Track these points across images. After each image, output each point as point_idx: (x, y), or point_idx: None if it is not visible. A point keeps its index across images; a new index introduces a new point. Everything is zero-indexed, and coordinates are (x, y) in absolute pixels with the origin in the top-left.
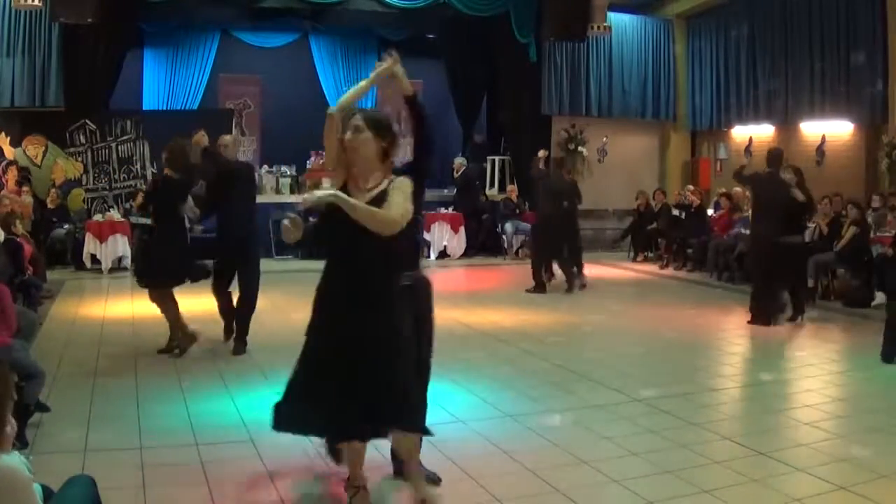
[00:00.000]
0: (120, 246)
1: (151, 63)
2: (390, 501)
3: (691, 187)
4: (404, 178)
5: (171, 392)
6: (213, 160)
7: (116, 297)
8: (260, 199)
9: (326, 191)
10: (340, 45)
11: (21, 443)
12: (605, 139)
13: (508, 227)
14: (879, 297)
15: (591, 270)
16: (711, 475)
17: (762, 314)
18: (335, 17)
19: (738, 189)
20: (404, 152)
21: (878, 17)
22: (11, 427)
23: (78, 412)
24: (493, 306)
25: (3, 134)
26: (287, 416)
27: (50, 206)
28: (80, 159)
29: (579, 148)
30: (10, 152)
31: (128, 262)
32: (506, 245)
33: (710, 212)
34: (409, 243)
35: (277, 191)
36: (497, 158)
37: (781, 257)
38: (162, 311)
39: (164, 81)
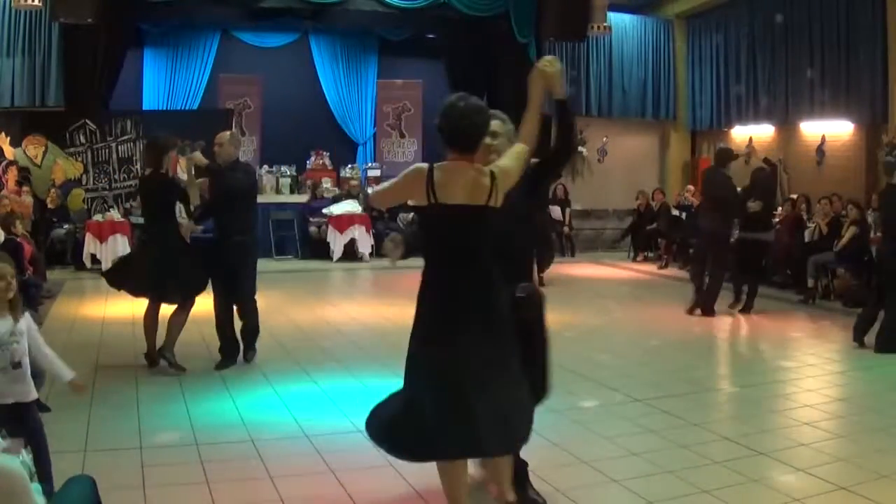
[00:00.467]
0: (120, 246)
1: (151, 63)
2: None
3: (691, 187)
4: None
5: (171, 392)
6: (218, 178)
7: (116, 297)
8: (260, 199)
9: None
10: (340, 45)
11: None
12: (605, 139)
13: None
14: None
15: (591, 270)
16: (711, 475)
17: (703, 306)
18: (335, 17)
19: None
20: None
21: (878, 17)
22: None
23: (78, 412)
24: None
25: (3, 134)
26: (390, 431)
27: (50, 206)
28: (80, 159)
29: (579, 148)
30: (10, 152)
31: None
32: None
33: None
34: (528, 246)
35: (277, 191)
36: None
37: (744, 251)
38: (177, 323)
39: (164, 81)
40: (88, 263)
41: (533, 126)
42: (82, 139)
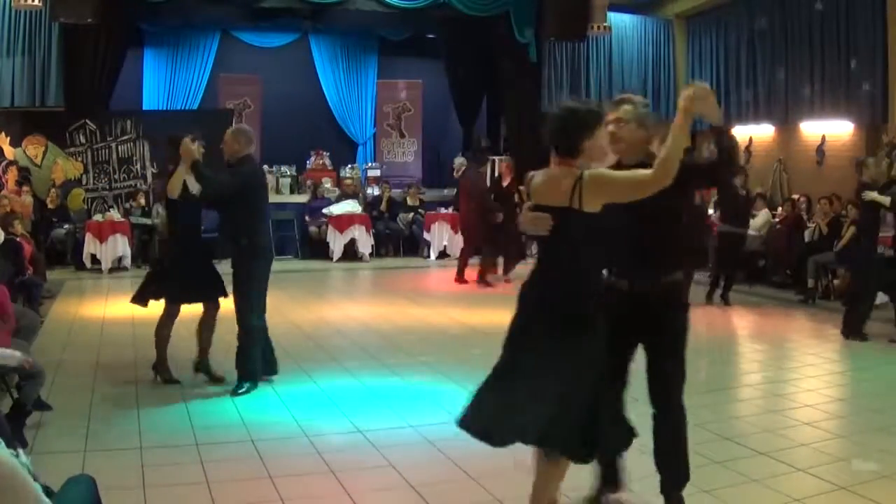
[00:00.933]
0: (120, 246)
1: (151, 63)
2: None
3: None
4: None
5: (171, 392)
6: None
7: (116, 297)
8: None
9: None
10: (340, 45)
11: (21, 442)
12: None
13: None
14: (880, 297)
15: None
16: (711, 475)
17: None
18: (335, 17)
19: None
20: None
21: (878, 16)
22: None
23: (78, 412)
24: (493, 306)
25: (3, 134)
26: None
27: (50, 206)
28: (80, 159)
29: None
30: (10, 152)
31: (128, 261)
32: None
33: (710, 212)
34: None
35: (277, 191)
36: (497, 158)
37: (723, 244)
38: (207, 329)
39: (164, 81)
40: (88, 263)
41: (672, 156)
42: (82, 139)
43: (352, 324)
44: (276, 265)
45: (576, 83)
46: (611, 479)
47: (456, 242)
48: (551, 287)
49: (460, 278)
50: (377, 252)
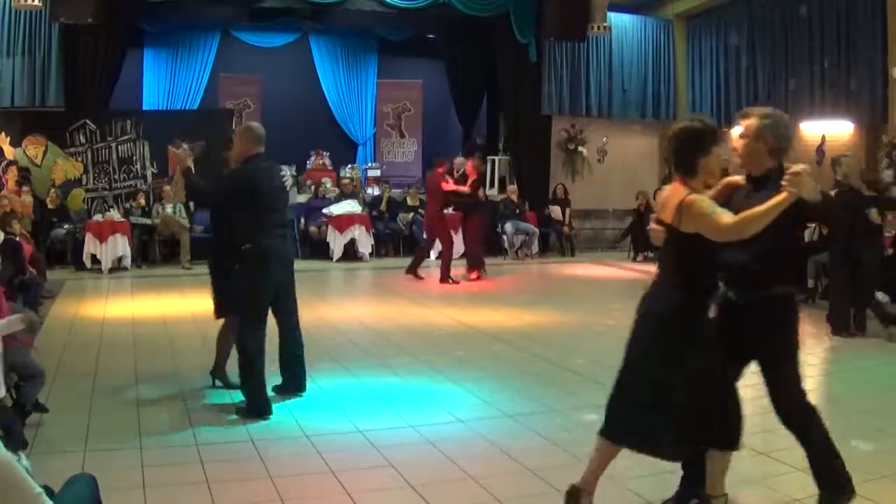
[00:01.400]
0: (120, 246)
1: (151, 63)
2: None
3: None
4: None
5: (170, 392)
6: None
7: (116, 297)
8: None
9: None
10: (340, 45)
11: (20, 443)
12: (604, 139)
13: (508, 227)
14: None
15: (591, 270)
16: None
17: None
18: (335, 17)
19: None
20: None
21: (878, 17)
22: None
23: (78, 412)
24: (492, 306)
25: (3, 134)
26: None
27: (50, 206)
28: (80, 159)
29: (579, 148)
30: (10, 152)
31: (128, 262)
32: (506, 245)
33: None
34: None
35: None
36: (497, 158)
37: None
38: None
39: (164, 81)
40: (88, 263)
41: (756, 220)
42: (82, 139)
43: (352, 324)
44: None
45: (576, 83)
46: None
47: (456, 243)
48: (663, 297)
49: (445, 279)
50: (377, 252)
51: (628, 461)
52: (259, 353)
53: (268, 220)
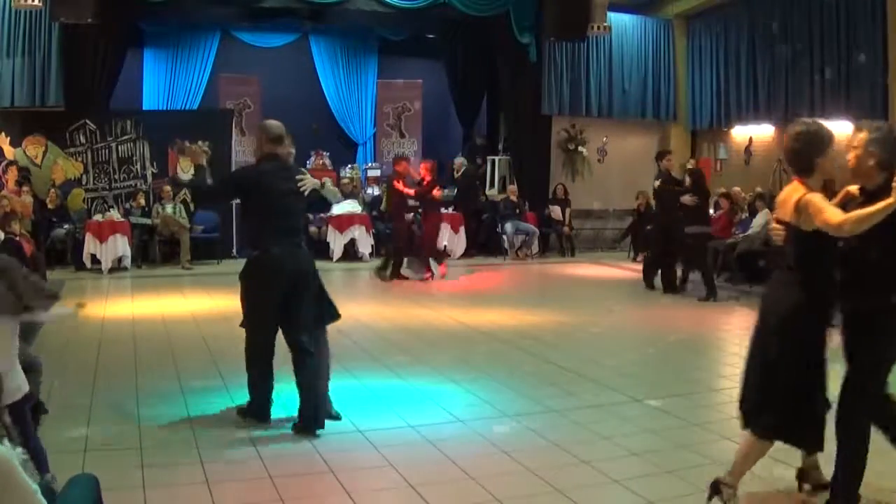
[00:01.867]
0: (120, 246)
1: (151, 63)
2: None
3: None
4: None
5: (171, 392)
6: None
7: (116, 297)
8: None
9: None
10: (340, 45)
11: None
12: (605, 139)
13: (508, 227)
14: None
15: (591, 270)
16: (711, 475)
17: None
18: (335, 17)
19: (737, 189)
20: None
21: (879, 16)
22: None
23: (78, 412)
24: (493, 306)
25: (3, 134)
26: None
27: (50, 206)
28: (80, 159)
29: (579, 148)
30: (10, 152)
31: (128, 262)
32: (506, 245)
33: (710, 212)
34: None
35: None
36: (497, 158)
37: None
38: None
39: (164, 81)
40: (88, 263)
41: (865, 220)
42: (82, 139)
43: (352, 324)
44: None
45: (576, 83)
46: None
47: (456, 243)
48: (783, 294)
49: (395, 275)
50: (377, 252)
51: (629, 461)
52: (255, 362)
53: (275, 226)
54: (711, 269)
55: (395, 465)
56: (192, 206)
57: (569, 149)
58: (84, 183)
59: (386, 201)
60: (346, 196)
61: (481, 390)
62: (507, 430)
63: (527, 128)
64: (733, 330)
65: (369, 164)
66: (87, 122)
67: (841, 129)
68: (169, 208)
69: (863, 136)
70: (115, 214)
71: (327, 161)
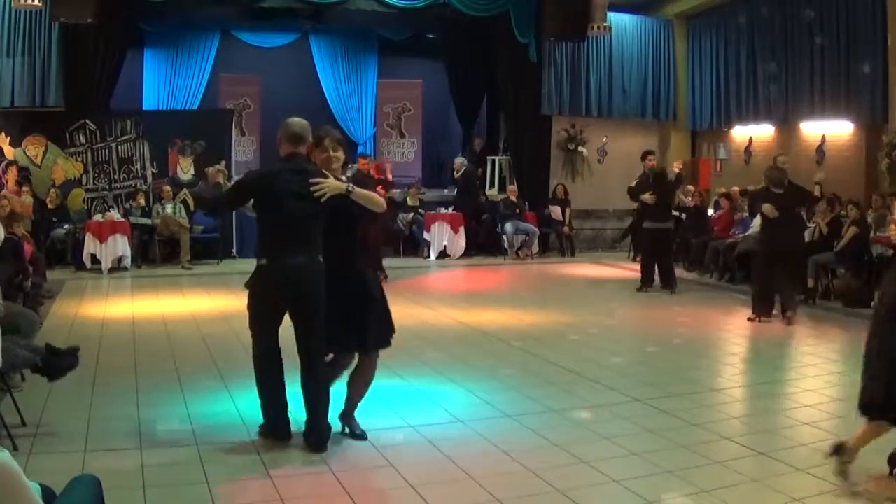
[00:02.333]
0: (120, 246)
1: (151, 63)
2: None
3: (691, 188)
4: None
5: (171, 392)
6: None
7: (116, 297)
8: None
9: None
10: (340, 45)
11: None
12: (605, 139)
13: (508, 227)
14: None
15: (591, 270)
16: (711, 475)
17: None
18: (335, 17)
19: (736, 189)
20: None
21: (878, 17)
22: None
23: (78, 412)
24: (493, 306)
25: (3, 134)
26: None
27: (50, 206)
28: (80, 159)
29: (579, 148)
30: (10, 152)
31: (128, 262)
32: (506, 245)
33: (710, 212)
34: None
35: None
36: (497, 158)
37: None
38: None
39: (164, 81)
40: (88, 263)
41: None
42: (82, 139)
43: None
44: None
45: (576, 83)
46: None
47: (456, 243)
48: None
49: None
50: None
51: (629, 461)
52: (261, 373)
53: (280, 233)
54: (671, 261)
55: (395, 465)
56: (191, 206)
57: (569, 149)
58: (84, 183)
59: None
60: None
61: (481, 390)
62: (507, 430)
63: (527, 128)
64: (733, 330)
65: (369, 164)
66: (87, 122)
67: (841, 129)
68: (169, 208)
69: None
70: (115, 214)
71: None
